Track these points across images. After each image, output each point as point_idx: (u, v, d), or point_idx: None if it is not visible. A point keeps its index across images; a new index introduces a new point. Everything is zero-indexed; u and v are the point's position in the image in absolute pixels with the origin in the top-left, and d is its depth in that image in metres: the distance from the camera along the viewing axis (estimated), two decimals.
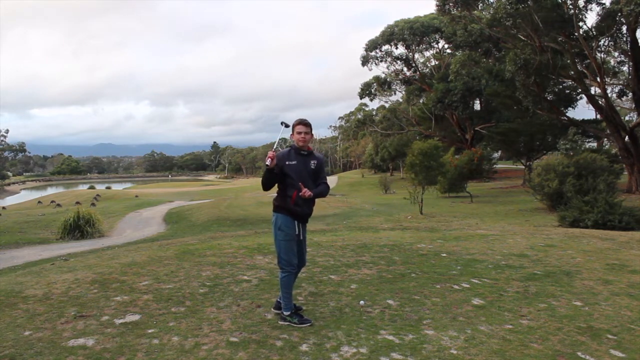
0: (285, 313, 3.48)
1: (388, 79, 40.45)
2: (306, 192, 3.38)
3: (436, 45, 37.77)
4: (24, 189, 73.00)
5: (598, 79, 20.22)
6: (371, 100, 42.77)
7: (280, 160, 3.41)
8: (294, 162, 3.43)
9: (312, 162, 3.51)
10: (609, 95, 24.35)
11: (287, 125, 3.54)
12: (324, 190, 3.56)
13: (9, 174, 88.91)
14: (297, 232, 3.51)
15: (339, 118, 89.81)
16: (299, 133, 3.44)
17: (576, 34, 18.72)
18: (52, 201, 30.97)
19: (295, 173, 3.42)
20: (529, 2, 17.73)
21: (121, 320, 3.49)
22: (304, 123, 3.48)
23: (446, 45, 36.12)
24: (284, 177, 3.43)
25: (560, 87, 27.76)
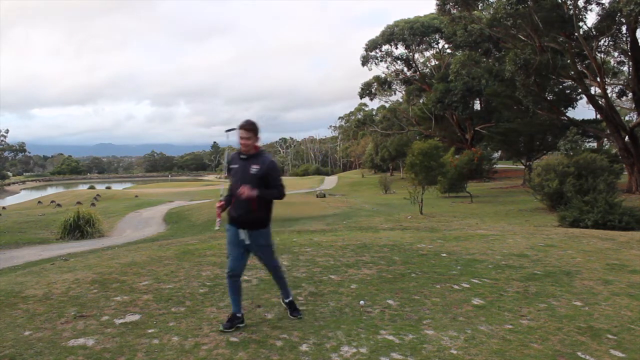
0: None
1: (388, 79, 40.46)
2: (244, 190, 3.22)
3: (436, 45, 37.80)
4: (24, 189, 72.98)
5: (598, 79, 20.22)
6: (371, 100, 42.81)
7: (229, 162, 3.43)
8: (235, 166, 3.39)
9: (253, 166, 3.33)
10: (609, 95, 24.35)
11: (230, 130, 3.46)
12: (271, 194, 3.38)
13: (9, 174, 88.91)
14: (241, 238, 3.40)
15: (339, 118, 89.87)
16: (241, 138, 3.34)
17: (576, 34, 18.72)
18: (52, 201, 30.96)
19: (234, 177, 3.37)
20: (528, 2, 17.73)
21: (121, 320, 3.49)
22: (245, 128, 3.33)
23: (446, 45, 36.13)
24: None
25: (560, 87, 27.77)
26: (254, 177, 3.31)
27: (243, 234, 3.39)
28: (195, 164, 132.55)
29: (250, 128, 3.33)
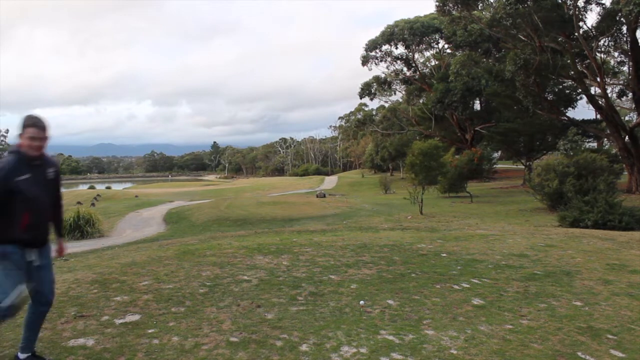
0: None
1: (388, 79, 40.46)
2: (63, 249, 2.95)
3: (436, 45, 37.79)
4: None
5: (598, 79, 20.23)
6: (371, 100, 42.81)
7: (7, 175, 2.56)
8: (26, 176, 2.61)
9: (49, 170, 2.77)
10: (609, 95, 24.37)
11: None
12: (63, 219, 2.99)
13: None
14: (32, 259, 2.72)
15: (339, 118, 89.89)
16: (32, 139, 2.62)
17: (576, 34, 18.72)
18: None
19: (29, 190, 2.62)
20: (528, 2, 17.73)
21: (121, 320, 3.49)
22: (39, 126, 2.65)
23: (446, 45, 36.12)
24: (11, 197, 2.57)
25: (560, 87, 27.77)
26: (50, 185, 2.78)
27: (33, 254, 2.75)
28: (195, 164, 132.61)
29: (45, 126, 2.69)
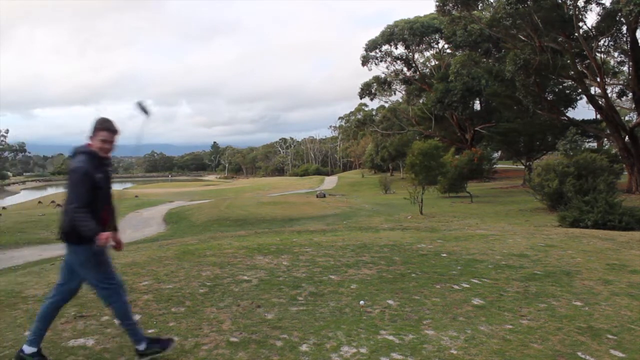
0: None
1: (388, 79, 40.46)
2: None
3: (436, 46, 37.78)
4: (24, 189, 72.91)
5: (598, 79, 20.22)
6: (371, 100, 42.79)
7: (89, 171, 2.74)
8: (100, 175, 2.82)
9: (110, 169, 2.98)
10: (609, 95, 24.36)
11: (145, 111, 2.99)
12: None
13: (9, 174, 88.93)
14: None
15: (339, 118, 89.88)
16: (104, 142, 2.81)
17: (576, 34, 18.72)
18: (52, 201, 30.95)
19: (105, 187, 2.87)
20: (528, 2, 17.74)
21: None
22: (112, 130, 2.84)
23: (446, 46, 36.11)
24: (95, 192, 2.78)
25: (560, 87, 27.78)
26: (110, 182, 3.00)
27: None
28: (195, 164, 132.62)
29: (118, 130, 2.87)
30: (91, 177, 2.72)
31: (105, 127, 2.82)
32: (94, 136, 2.82)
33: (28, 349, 2.78)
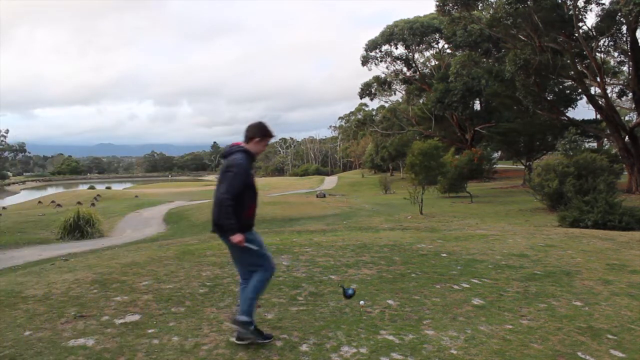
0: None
1: (388, 79, 40.48)
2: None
3: (436, 46, 37.81)
4: (24, 189, 72.91)
5: (598, 79, 20.23)
6: (371, 100, 42.85)
7: (247, 169, 3.05)
8: (252, 172, 3.13)
9: (254, 171, 3.25)
10: (609, 95, 24.36)
11: (350, 296, 3.48)
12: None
13: (9, 174, 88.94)
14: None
15: (339, 118, 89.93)
16: (266, 146, 3.24)
17: (576, 34, 18.72)
18: (52, 201, 30.95)
19: (254, 184, 3.13)
20: (528, 2, 17.74)
21: (121, 320, 3.49)
22: (272, 136, 3.22)
23: (446, 46, 36.14)
24: (246, 189, 3.02)
25: (560, 87, 27.77)
26: None
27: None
28: (195, 164, 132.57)
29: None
30: (248, 173, 3.01)
31: (271, 135, 3.19)
32: (260, 140, 3.10)
33: (242, 318, 3.02)
